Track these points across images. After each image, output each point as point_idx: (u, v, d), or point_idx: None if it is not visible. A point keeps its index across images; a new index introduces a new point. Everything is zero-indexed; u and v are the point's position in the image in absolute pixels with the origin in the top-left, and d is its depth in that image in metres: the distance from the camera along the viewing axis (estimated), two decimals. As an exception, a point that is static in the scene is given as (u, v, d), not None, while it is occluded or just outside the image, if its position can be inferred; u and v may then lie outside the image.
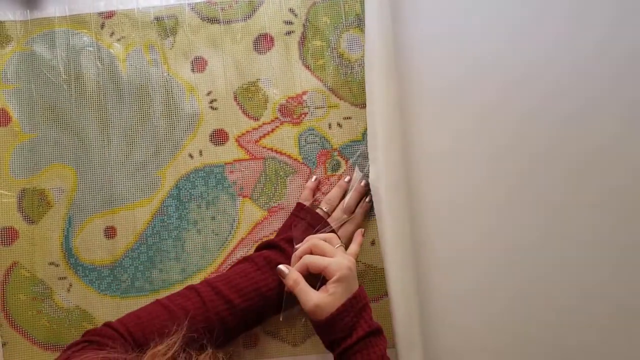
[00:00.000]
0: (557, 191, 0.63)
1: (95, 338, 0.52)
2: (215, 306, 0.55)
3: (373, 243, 0.65)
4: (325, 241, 0.57)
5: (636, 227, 0.59)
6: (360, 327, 0.53)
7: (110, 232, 0.65)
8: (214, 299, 0.55)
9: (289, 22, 0.67)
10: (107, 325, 0.54)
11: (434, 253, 0.63)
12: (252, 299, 0.56)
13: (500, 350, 0.60)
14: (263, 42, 0.67)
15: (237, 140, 0.66)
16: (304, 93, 0.67)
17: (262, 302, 0.57)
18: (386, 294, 0.63)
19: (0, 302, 0.63)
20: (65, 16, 0.67)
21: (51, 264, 0.64)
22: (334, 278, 0.53)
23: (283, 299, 0.58)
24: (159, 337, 0.50)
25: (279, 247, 0.60)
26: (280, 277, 0.56)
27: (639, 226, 0.57)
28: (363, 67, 0.66)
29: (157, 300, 0.57)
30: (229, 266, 0.63)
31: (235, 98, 0.67)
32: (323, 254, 0.55)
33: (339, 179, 0.65)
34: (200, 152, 0.66)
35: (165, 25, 0.67)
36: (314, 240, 0.57)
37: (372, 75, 0.62)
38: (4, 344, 0.63)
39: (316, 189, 0.65)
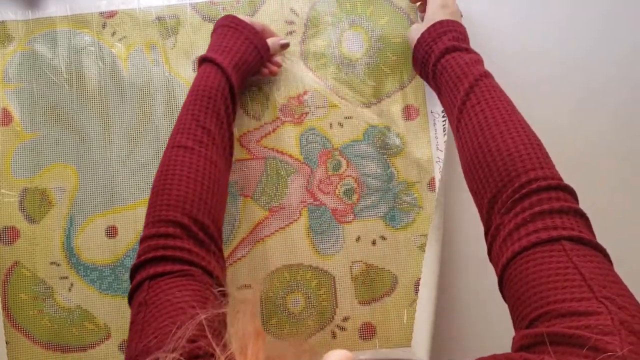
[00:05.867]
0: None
1: (166, 254, 0.44)
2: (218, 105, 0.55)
3: (374, 243, 0.65)
4: None
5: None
6: (436, 47, 0.57)
7: (111, 232, 0.65)
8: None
9: (291, 22, 0.67)
10: (171, 221, 0.47)
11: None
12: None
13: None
14: (264, 42, 0.67)
15: (238, 140, 0.66)
16: (305, 93, 0.67)
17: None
18: (387, 293, 0.64)
19: (2, 301, 0.63)
20: (67, 16, 0.67)
21: (52, 263, 0.64)
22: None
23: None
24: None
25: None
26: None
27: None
28: (364, 66, 0.67)
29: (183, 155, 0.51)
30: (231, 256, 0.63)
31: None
32: None
33: (340, 178, 0.65)
34: (202, 152, 0.66)
35: (167, 25, 0.67)
36: None
37: None
38: (6, 343, 0.63)
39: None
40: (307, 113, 0.66)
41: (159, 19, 0.67)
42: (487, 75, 0.53)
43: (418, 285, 0.63)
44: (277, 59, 0.65)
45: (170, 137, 0.54)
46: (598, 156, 0.66)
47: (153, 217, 0.48)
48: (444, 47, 0.56)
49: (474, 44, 0.59)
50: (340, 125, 0.66)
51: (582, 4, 0.67)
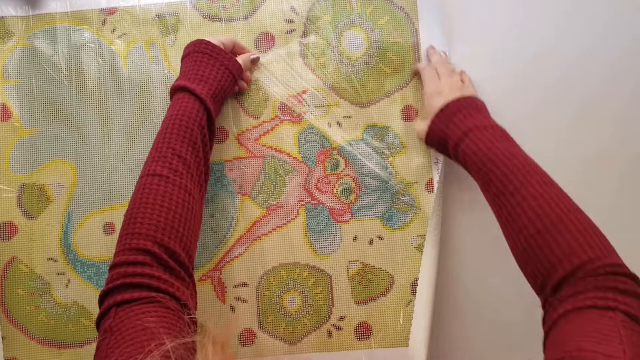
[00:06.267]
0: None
1: (134, 281, 0.45)
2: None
3: (371, 243, 0.64)
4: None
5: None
6: (450, 136, 0.57)
7: (109, 229, 0.65)
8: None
9: (291, 21, 0.67)
10: (141, 250, 0.46)
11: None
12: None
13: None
14: (264, 40, 0.67)
15: (237, 139, 0.66)
16: (305, 92, 0.67)
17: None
18: (384, 293, 0.64)
19: (-1, 297, 0.64)
20: (67, 12, 0.67)
21: (50, 259, 0.64)
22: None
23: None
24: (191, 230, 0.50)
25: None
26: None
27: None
28: (364, 65, 0.66)
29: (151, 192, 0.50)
30: (226, 260, 0.63)
31: (236, 96, 0.67)
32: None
33: (338, 178, 0.65)
34: (200, 150, 0.66)
35: (167, 23, 0.67)
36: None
37: None
38: (2, 338, 0.63)
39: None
40: (306, 112, 0.66)
41: (159, 16, 0.67)
42: (511, 156, 0.51)
43: (415, 285, 0.63)
44: (247, 74, 0.65)
45: (145, 164, 0.53)
46: (598, 157, 0.66)
47: (123, 246, 0.48)
48: (457, 136, 0.56)
49: (472, 44, 0.59)
50: (339, 124, 0.66)
51: (583, 4, 0.67)
